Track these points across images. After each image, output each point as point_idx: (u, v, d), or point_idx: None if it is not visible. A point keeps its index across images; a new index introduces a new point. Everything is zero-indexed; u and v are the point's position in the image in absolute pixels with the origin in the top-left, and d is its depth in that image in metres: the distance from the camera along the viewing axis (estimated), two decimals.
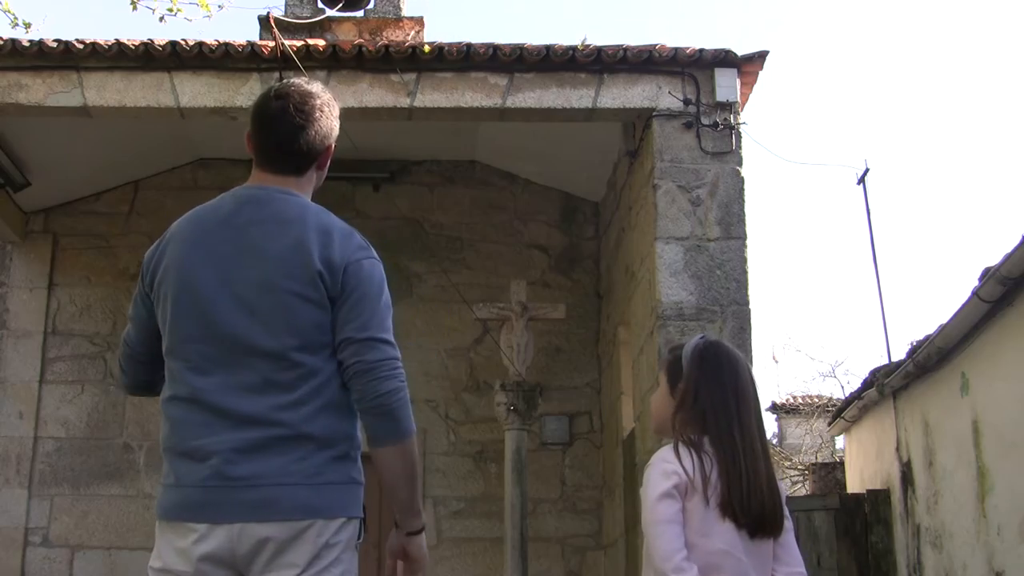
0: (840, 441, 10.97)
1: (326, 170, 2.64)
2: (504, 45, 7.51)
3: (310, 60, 7.54)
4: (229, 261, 2.44)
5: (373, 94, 7.61)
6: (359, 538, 2.49)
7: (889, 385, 6.83)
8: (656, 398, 2.82)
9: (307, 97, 2.53)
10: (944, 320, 5.63)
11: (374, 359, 2.43)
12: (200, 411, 2.39)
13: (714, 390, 2.66)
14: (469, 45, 7.52)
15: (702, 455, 2.59)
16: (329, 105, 2.58)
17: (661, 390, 2.79)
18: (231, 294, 2.42)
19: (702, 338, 2.79)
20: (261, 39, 8.58)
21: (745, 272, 7.21)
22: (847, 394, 10.32)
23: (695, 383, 2.67)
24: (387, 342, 2.45)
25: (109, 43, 7.46)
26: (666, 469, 2.59)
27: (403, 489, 2.56)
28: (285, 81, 2.63)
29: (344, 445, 2.46)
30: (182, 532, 2.35)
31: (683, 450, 2.62)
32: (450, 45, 7.54)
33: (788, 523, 2.68)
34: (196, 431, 2.39)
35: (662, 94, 7.51)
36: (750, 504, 2.56)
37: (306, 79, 2.66)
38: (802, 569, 2.68)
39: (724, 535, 2.56)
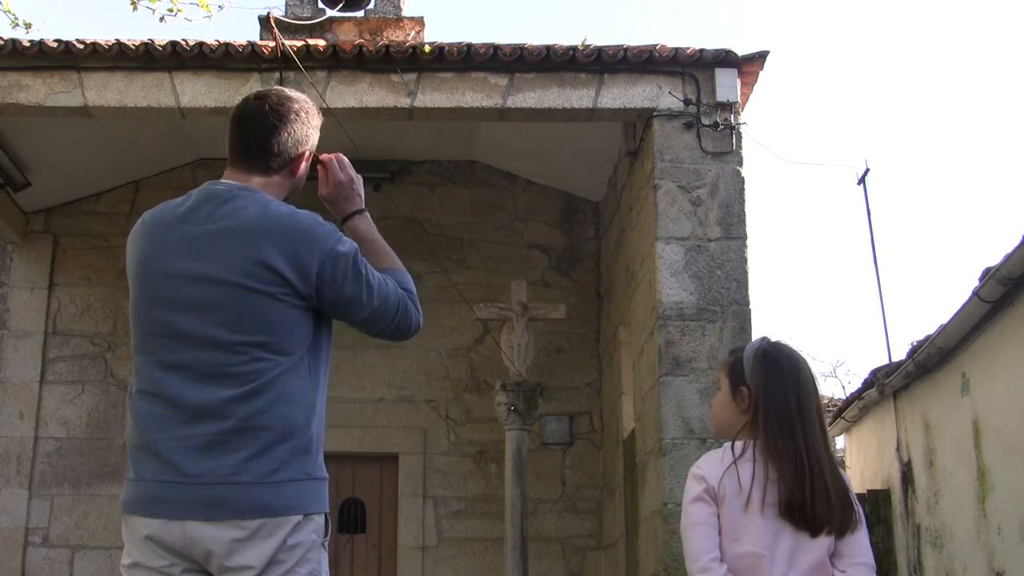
0: (841, 441, 10.98)
1: (300, 179, 2.64)
2: (505, 45, 7.51)
3: (310, 60, 7.54)
4: (185, 256, 2.45)
5: (373, 94, 7.62)
6: (326, 535, 2.43)
7: (889, 385, 6.83)
8: (717, 401, 2.81)
9: (285, 100, 2.57)
10: (944, 320, 5.63)
11: (388, 319, 2.54)
12: (161, 405, 2.40)
13: (777, 393, 2.64)
14: (470, 45, 7.52)
15: (742, 461, 2.60)
16: (307, 112, 2.60)
17: (723, 393, 2.77)
18: (186, 289, 2.43)
19: (764, 339, 2.77)
20: (261, 39, 8.59)
21: (745, 272, 7.21)
22: (848, 394, 10.32)
23: (758, 386, 2.66)
24: (382, 298, 2.53)
25: (109, 43, 7.46)
26: (696, 474, 2.63)
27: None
28: (268, 88, 2.69)
29: (300, 438, 2.39)
30: (141, 527, 2.37)
31: (724, 455, 2.64)
32: (451, 45, 7.54)
33: (860, 518, 2.64)
34: (156, 425, 2.39)
35: (662, 94, 7.51)
36: (813, 507, 2.55)
37: (288, 88, 2.70)
38: (866, 559, 2.61)
39: (755, 538, 2.55)
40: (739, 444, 2.65)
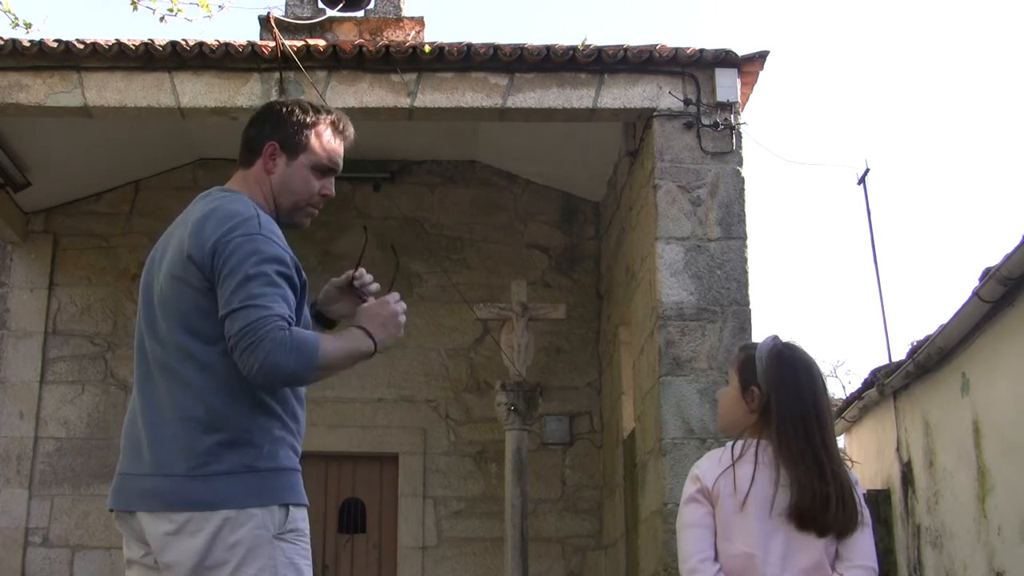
0: (841, 441, 10.99)
1: (276, 173, 2.64)
2: (505, 45, 7.51)
3: (310, 60, 7.54)
4: (162, 250, 2.60)
5: (373, 94, 7.62)
6: (284, 529, 2.34)
7: (889, 385, 6.83)
8: (726, 397, 2.79)
9: (282, 103, 2.72)
10: (944, 320, 5.63)
11: (236, 329, 2.29)
12: (132, 399, 2.54)
13: (793, 395, 2.64)
14: (470, 45, 7.52)
15: (742, 462, 2.60)
16: (305, 112, 2.66)
17: (732, 390, 2.76)
18: (149, 282, 2.56)
19: (775, 338, 2.76)
20: (261, 39, 8.58)
21: (745, 272, 7.21)
22: (848, 394, 10.32)
23: (773, 387, 2.65)
24: (248, 307, 2.29)
25: (109, 43, 7.46)
26: (694, 474, 2.65)
27: (348, 363, 2.51)
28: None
29: (234, 431, 2.33)
30: (120, 520, 2.49)
31: (724, 456, 2.64)
32: (451, 45, 7.54)
33: (863, 520, 2.64)
34: (128, 418, 2.53)
35: (662, 94, 7.51)
36: (826, 510, 2.55)
37: (312, 101, 2.81)
38: (867, 563, 2.61)
39: (748, 538, 2.56)
40: (740, 444, 2.64)
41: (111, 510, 2.50)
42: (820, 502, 2.55)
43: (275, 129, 2.66)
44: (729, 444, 2.68)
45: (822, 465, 2.58)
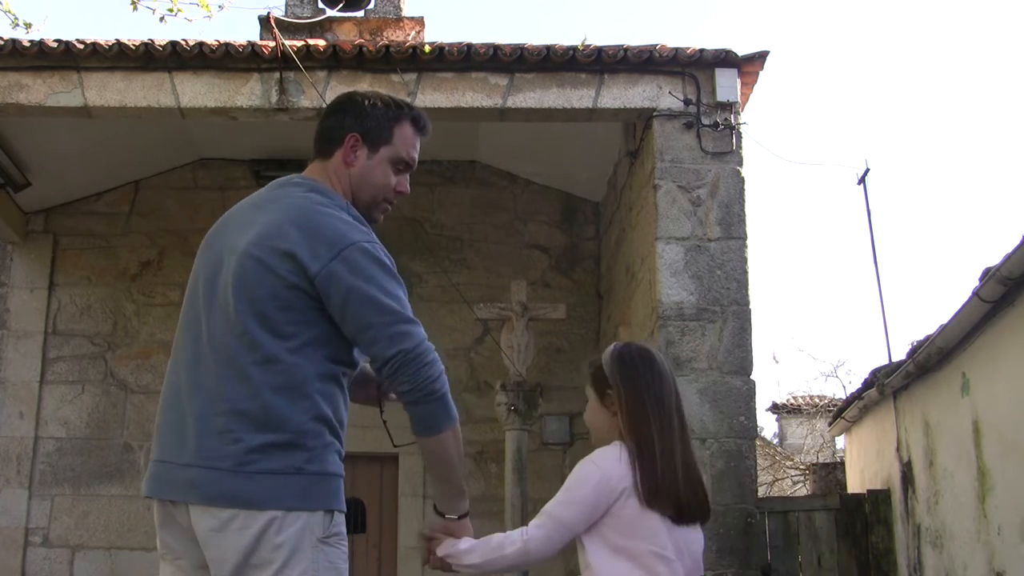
0: (841, 441, 10.97)
1: (357, 166, 2.64)
2: (505, 45, 7.51)
3: (310, 60, 7.54)
4: (230, 234, 2.52)
5: None
6: (329, 533, 2.33)
7: (890, 385, 6.82)
8: (589, 411, 2.90)
9: (371, 94, 2.70)
10: (944, 320, 5.62)
11: (403, 348, 2.41)
12: (170, 385, 2.44)
13: (636, 392, 2.75)
14: (470, 45, 7.52)
15: (628, 463, 2.68)
16: (388, 106, 2.67)
17: (592, 403, 2.87)
18: (209, 274, 2.47)
19: (616, 344, 2.89)
20: (261, 39, 8.58)
21: (745, 272, 7.21)
22: (848, 394, 10.31)
23: (620, 388, 2.77)
24: (407, 326, 2.46)
25: (109, 43, 7.46)
26: (589, 472, 2.70)
27: (449, 476, 2.53)
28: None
29: (285, 433, 2.29)
30: (154, 506, 2.41)
31: (621, 454, 2.70)
32: (451, 45, 7.54)
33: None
34: (163, 405, 2.45)
35: (662, 94, 7.51)
36: (679, 495, 2.66)
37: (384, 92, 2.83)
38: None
39: (653, 537, 2.64)
40: (630, 444, 2.72)
41: (147, 496, 2.41)
42: (687, 492, 2.68)
43: (357, 120, 2.64)
44: (617, 443, 2.73)
45: (681, 455, 2.70)
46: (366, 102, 2.64)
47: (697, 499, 2.71)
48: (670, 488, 2.64)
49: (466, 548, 2.65)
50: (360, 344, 2.42)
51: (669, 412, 2.74)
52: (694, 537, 2.72)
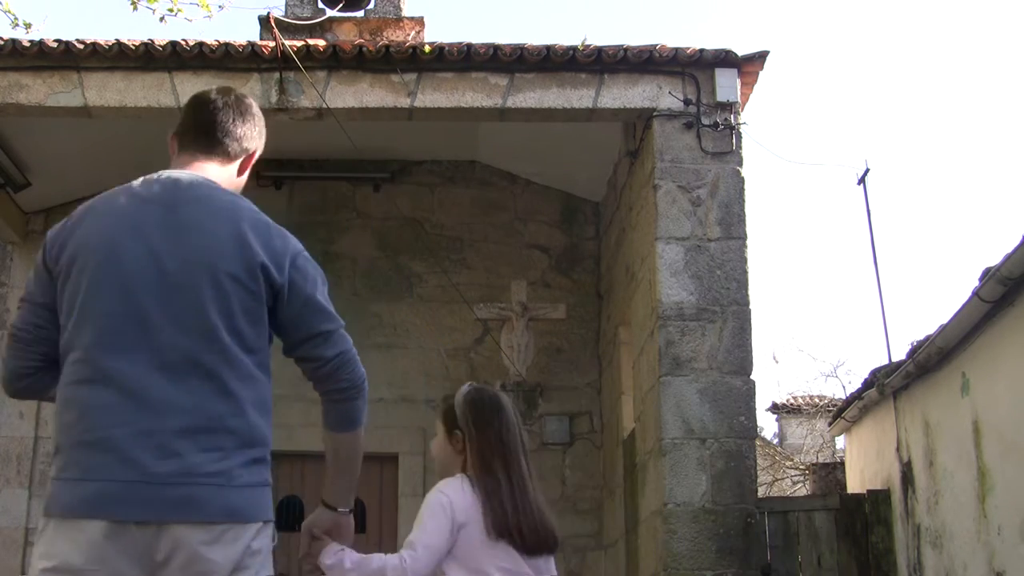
0: (841, 441, 10.97)
1: (243, 181, 2.66)
2: (505, 45, 7.51)
3: (310, 60, 7.54)
4: (159, 237, 2.36)
5: (373, 94, 7.61)
6: (274, 541, 2.41)
7: (889, 385, 6.82)
8: (436, 444, 3.21)
9: (246, 99, 2.67)
10: (944, 320, 5.62)
11: (341, 349, 2.50)
12: (117, 395, 2.24)
13: (488, 432, 3.06)
14: (470, 45, 7.52)
15: (472, 494, 2.98)
16: (261, 120, 2.68)
17: (440, 437, 3.18)
18: (161, 270, 2.33)
19: (470, 386, 3.21)
20: (261, 39, 8.57)
21: (745, 272, 7.21)
22: (848, 394, 10.31)
23: (471, 431, 3.07)
24: (342, 330, 2.52)
25: (109, 43, 7.46)
26: (445, 499, 2.98)
27: (356, 471, 2.69)
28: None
29: (263, 448, 2.36)
30: (88, 529, 2.18)
31: (463, 485, 3.00)
32: (451, 45, 7.54)
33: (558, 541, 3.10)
34: (110, 418, 2.22)
35: (662, 94, 7.50)
36: (530, 529, 2.97)
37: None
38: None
39: (499, 561, 2.93)
40: (466, 479, 3.02)
41: (106, 518, 2.19)
42: (532, 526, 2.98)
43: (260, 138, 2.66)
44: (461, 476, 3.05)
45: (523, 491, 3.01)
46: (261, 118, 2.68)
47: (546, 533, 3.01)
48: (518, 526, 2.95)
49: (350, 567, 2.87)
50: (298, 347, 2.47)
51: (516, 455, 3.05)
52: (545, 565, 3.03)
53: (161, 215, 2.39)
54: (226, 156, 2.57)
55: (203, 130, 2.57)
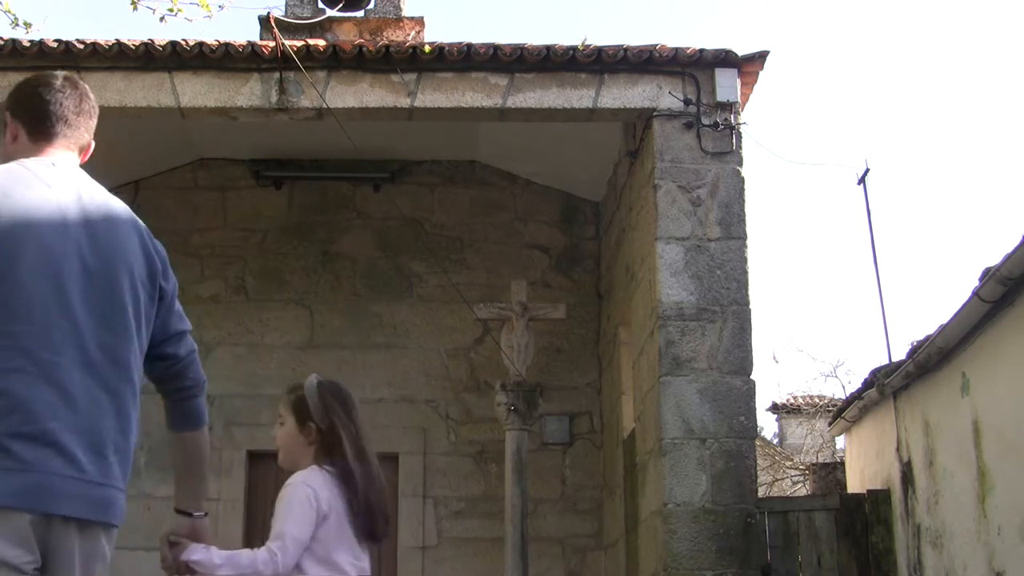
0: (840, 441, 10.97)
1: None
2: (505, 45, 7.51)
3: (310, 60, 7.54)
4: (80, 233, 2.32)
5: (373, 94, 7.61)
6: None
7: (889, 385, 6.82)
8: (285, 436, 3.21)
9: (89, 90, 2.62)
10: (944, 320, 5.62)
11: (192, 348, 2.62)
12: (53, 391, 2.20)
13: (347, 423, 3.14)
14: (470, 45, 7.52)
15: (330, 486, 3.03)
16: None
17: (289, 428, 3.19)
18: (85, 267, 2.30)
19: (316, 377, 3.25)
20: (261, 39, 8.58)
21: (745, 272, 7.21)
22: (848, 394, 10.30)
23: (326, 422, 3.12)
24: (190, 335, 2.65)
25: (109, 43, 7.46)
26: (308, 493, 3.00)
27: (205, 471, 2.71)
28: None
29: (131, 455, 2.43)
30: (20, 520, 2.14)
31: (324, 477, 3.05)
32: (451, 45, 7.54)
33: None
34: (47, 412, 2.18)
35: (662, 94, 7.50)
36: (383, 518, 3.12)
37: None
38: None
39: (346, 552, 3.02)
40: (329, 471, 3.07)
41: (41, 511, 2.17)
42: (381, 515, 3.10)
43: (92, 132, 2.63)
44: (317, 468, 3.08)
45: (373, 481, 3.09)
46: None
47: (385, 519, 3.14)
48: (374, 516, 3.07)
49: (220, 562, 2.85)
50: (158, 346, 2.53)
51: (362, 443, 3.14)
52: (369, 554, 3.15)
53: (77, 211, 2.35)
54: (80, 149, 2.55)
55: (56, 119, 2.47)
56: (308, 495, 2.99)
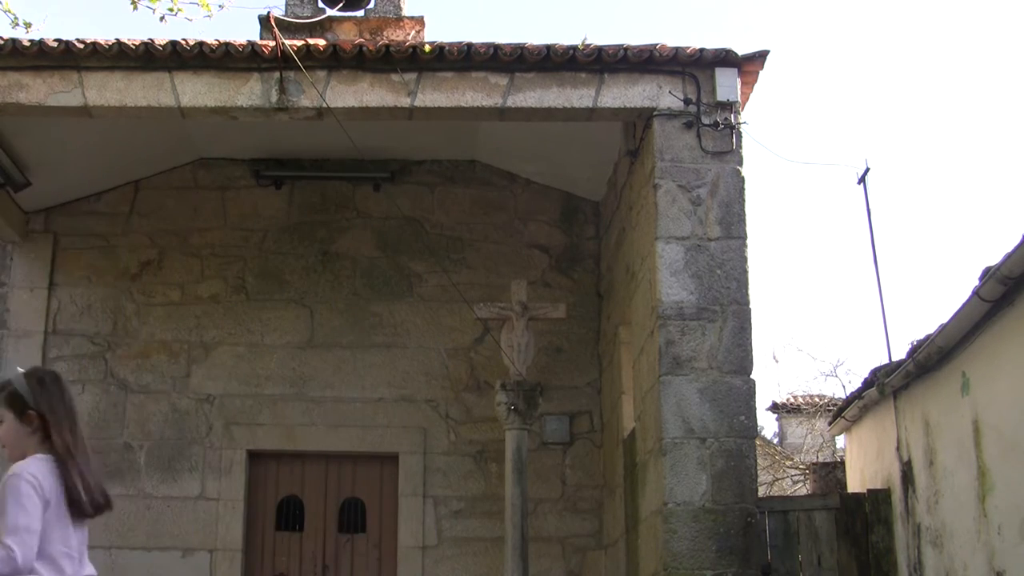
0: (841, 440, 10.97)
1: None
2: (505, 45, 7.51)
3: (310, 60, 7.53)
4: None
5: (373, 94, 7.61)
6: None
7: (890, 385, 6.82)
8: (7, 431, 3.23)
9: None
10: (944, 320, 5.62)
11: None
12: None
13: (60, 408, 3.21)
14: (470, 45, 7.51)
15: (50, 475, 3.08)
16: None
17: (10, 422, 3.22)
18: None
19: (30, 368, 3.33)
20: (262, 39, 8.58)
21: (745, 272, 7.21)
22: (848, 394, 10.30)
23: (44, 408, 3.19)
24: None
25: (110, 43, 7.46)
26: (33, 479, 3.04)
27: None
28: None
29: None
30: None
31: (48, 466, 3.10)
32: (451, 45, 7.54)
33: None
34: None
35: (663, 94, 7.50)
36: (103, 497, 3.20)
37: None
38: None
39: (65, 539, 3.08)
40: (47, 457, 3.12)
41: None
42: (100, 494, 3.18)
43: None
44: (42, 456, 3.13)
45: (83, 463, 3.17)
46: None
47: (105, 497, 3.22)
48: (92, 497, 3.14)
49: None
50: None
51: (77, 427, 3.21)
52: (85, 536, 3.20)
53: None
54: None
55: None
56: (33, 484, 3.03)
